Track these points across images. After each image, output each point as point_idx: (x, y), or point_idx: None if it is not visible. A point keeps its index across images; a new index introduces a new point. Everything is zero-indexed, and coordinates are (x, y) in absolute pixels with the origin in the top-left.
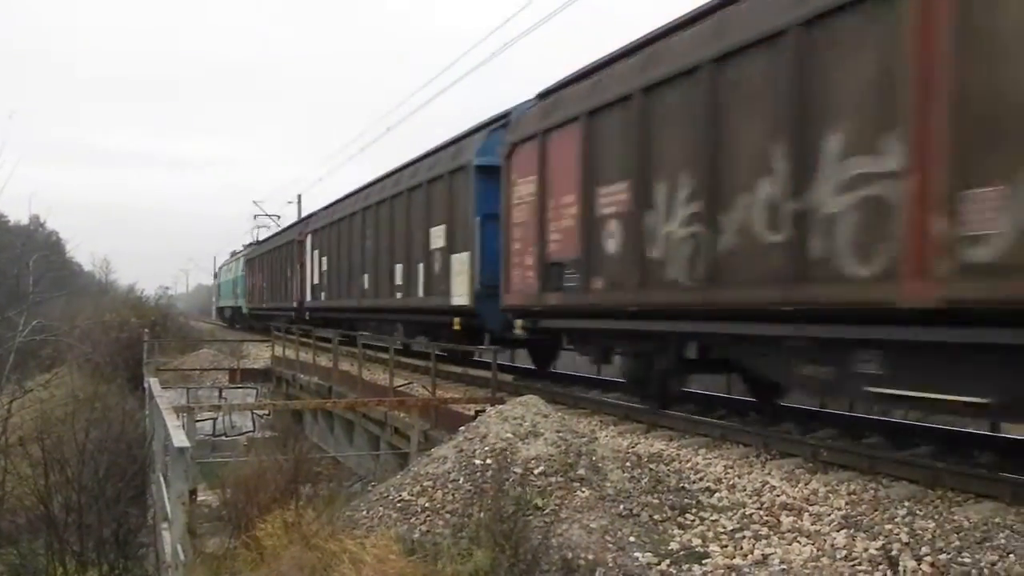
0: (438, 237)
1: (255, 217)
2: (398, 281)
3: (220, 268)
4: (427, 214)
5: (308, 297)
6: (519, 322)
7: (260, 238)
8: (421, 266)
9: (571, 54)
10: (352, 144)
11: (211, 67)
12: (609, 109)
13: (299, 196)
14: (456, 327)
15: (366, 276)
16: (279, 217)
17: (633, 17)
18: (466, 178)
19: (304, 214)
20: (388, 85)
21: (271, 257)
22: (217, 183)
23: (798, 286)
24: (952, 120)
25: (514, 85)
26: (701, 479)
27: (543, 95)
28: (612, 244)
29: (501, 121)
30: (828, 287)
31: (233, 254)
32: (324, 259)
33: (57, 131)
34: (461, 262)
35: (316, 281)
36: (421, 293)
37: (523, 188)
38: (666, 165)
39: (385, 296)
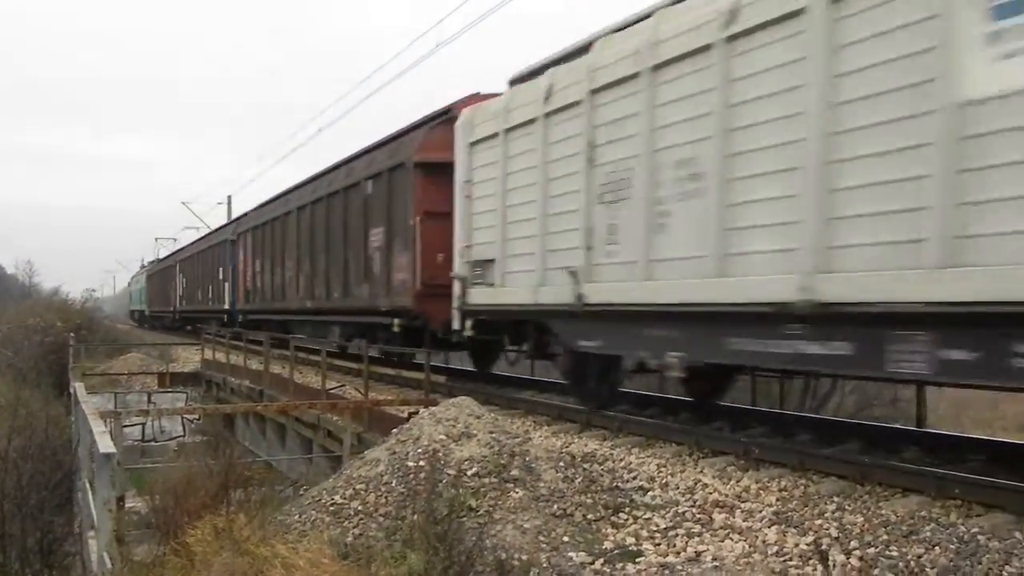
0: (220, 272)
1: (156, 240)
2: (210, 296)
3: (132, 279)
4: (217, 261)
5: (178, 304)
6: (241, 316)
7: (161, 255)
8: (216, 287)
9: (508, 49)
10: (283, 144)
11: (140, 65)
12: (257, 228)
13: (229, 197)
14: (225, 320)
15: (199, 291)
16: (175, 240)
17: (567, 14)
18: (226, 247)
19: (234, 216)
20: (322, 86)
21: (161, 275)
22: (146, 183)
23: (281, 302)
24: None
25: (448, 83)
26: (634, 478)
27: (258, 207)
28: (259, 282)
29: (241, 218)
30: (286, 304)
31: (141, 267)
32: (184, 280)
33: None
34: (227, 287)
35: (181, 293)
36: (217, 302)
37: (240, 255)
38: (269, 255)
39: (206, 303)
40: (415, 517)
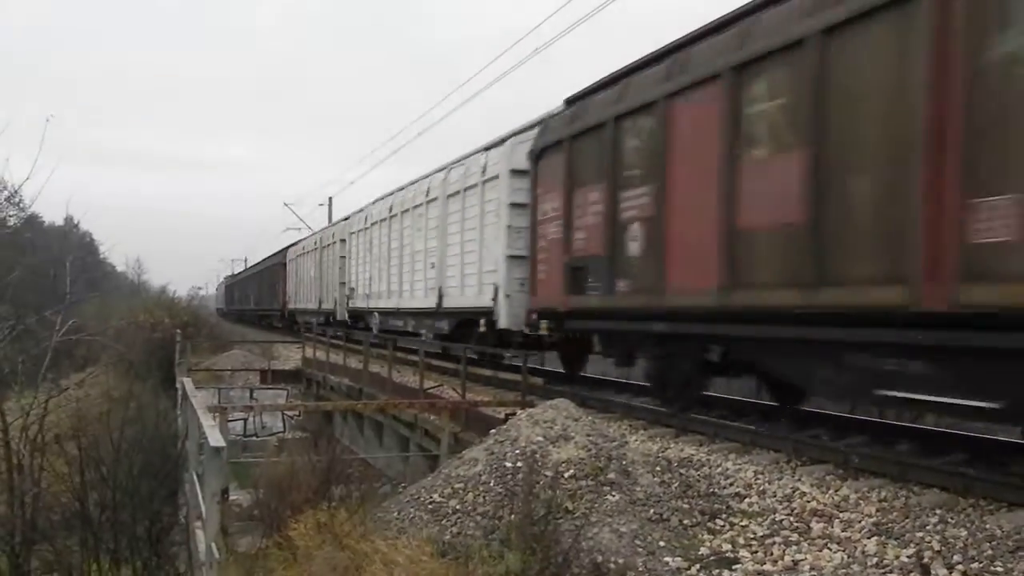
0: (255, 290)
1: (232, 261)
2: (245, 302)
3: (218, 284)
4: (250, 284)
5: (236, 306)
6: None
7: (236, 271)
8: (252, 299)
9: (605, 53)
10: (384, 147)
11: (244, 70)
12: (254, 274)
13: (330, 199)
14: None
15: (243, 299)
16: (246, 259)
17: (666, 16)
18: (248, 279)
19: (338, 217)
20: (422, 89)
21: (229, 287)
22: (249, 184)
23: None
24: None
25: (544, 88)
26: (731, 484)
27: (254, 265)
28: (282, 294)
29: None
30: (297, 305)
31: (223, 279)
32: (237, 292)
33: (87, 133)
34: (253, 298)
35: (237, 298)
36: (248, 305)
37: (274, 281)
38: (272, 284)
39: (246, 306)
40: (512, 517)
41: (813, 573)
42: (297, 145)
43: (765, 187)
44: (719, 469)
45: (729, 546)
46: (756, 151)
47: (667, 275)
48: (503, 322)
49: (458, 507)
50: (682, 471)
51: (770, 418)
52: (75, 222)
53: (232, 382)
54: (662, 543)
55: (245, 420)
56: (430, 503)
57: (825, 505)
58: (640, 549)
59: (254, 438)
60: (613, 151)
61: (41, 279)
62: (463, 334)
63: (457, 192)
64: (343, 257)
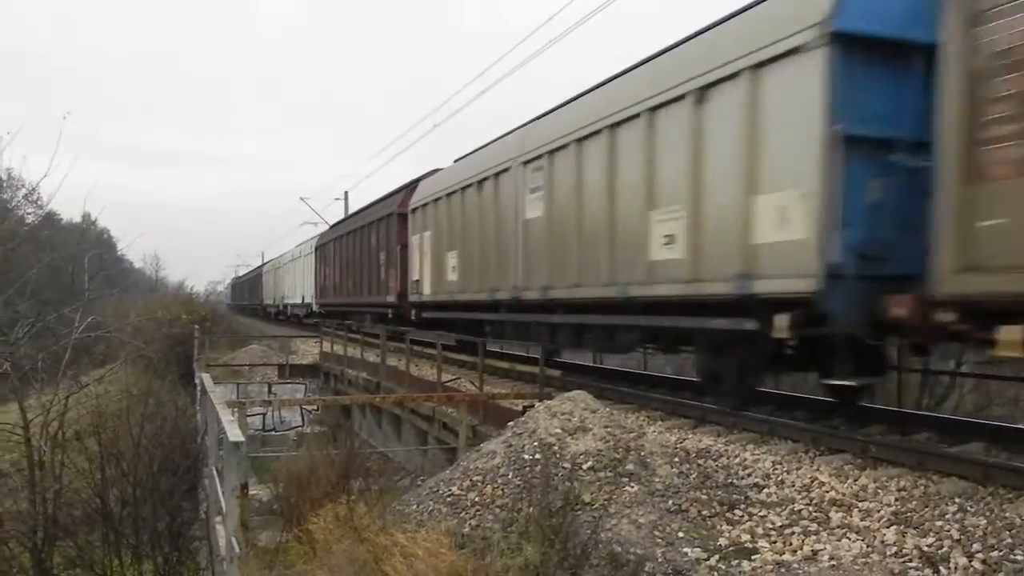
0: (251, 290)
1: (237, 268)
2: (242, 299)
3: (226, 285)
4: (246, 286)
5: (238, 300)
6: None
7: (241, 273)
8: (246, 296)
9: (616, 47)
10: (399, 141)
11: (260, 67)
12: (247, 280)
13: (346, 193)
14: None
15: (243, 296)
16: (262, 254)
17: (673, 11)
18: (246, 281)
19: (349, 211)
20: (437, 82)
21: (234, 286)
22: (269, 179)
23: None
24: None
25: (558, 80)
26: (749, 475)
27: (245, 273)
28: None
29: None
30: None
31: (231, 279)
32: (239, 290)
33: (104, 131)
34: (243, 293)
35: (238, 294)
36: (244, 299)
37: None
38: (253, 289)
39: (242, 301)
40: (531, 509)
41: (832, 563)
42: (315, 139)
43: (339, 273)
44: (737, 459)
45: (748, 536)
46: (334, 265)
47: (327, 294)
48: (315, 308)
49: (476, 499)
50: (700, 462)
51: (788, 408)
52: (92, 219)
53: (250, 377)
54: (681, 534)
55: (264, 415)
56: (449, 496)
57: (844, 495)
58: (659, 540)
59: (273, 433)
60: (323, 255)
61: (60, 276)
62: (307, 315)
63: (308, 254)
64: (280, 276)
